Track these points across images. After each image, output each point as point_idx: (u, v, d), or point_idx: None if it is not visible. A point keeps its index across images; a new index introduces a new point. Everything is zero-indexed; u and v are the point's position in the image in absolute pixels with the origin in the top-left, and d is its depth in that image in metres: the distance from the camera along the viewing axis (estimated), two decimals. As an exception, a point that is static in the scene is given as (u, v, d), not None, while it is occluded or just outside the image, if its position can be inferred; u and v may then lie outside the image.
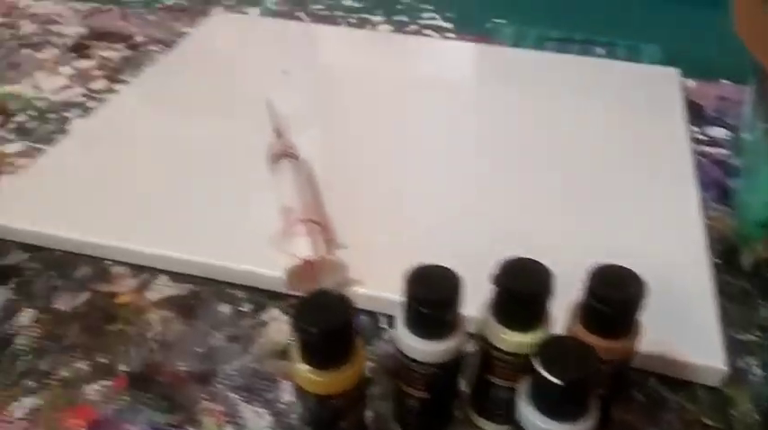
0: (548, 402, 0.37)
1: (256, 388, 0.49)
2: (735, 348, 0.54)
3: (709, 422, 0.49)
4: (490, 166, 0.69)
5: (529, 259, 0.42)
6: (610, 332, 0.42)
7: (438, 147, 0.71)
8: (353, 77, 0.83)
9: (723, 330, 0.54)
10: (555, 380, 0.36)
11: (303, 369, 0.39)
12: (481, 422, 0.47)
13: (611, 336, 0.42)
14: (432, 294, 0.40)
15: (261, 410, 0.48)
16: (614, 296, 0.41)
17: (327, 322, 0.38)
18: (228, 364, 0.50)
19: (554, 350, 0.37)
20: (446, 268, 0.41)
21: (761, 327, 0.56)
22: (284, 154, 0.63)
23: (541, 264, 0.42)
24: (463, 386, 0.48)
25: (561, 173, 0.68)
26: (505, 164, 0.69)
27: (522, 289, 0.41)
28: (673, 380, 0.51)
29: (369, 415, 0.48)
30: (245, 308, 0.55)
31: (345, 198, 0.63)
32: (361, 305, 0.54)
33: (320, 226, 0.56)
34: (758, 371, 0.52)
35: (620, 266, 0.43)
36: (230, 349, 0.51)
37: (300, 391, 0.40)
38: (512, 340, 0.42)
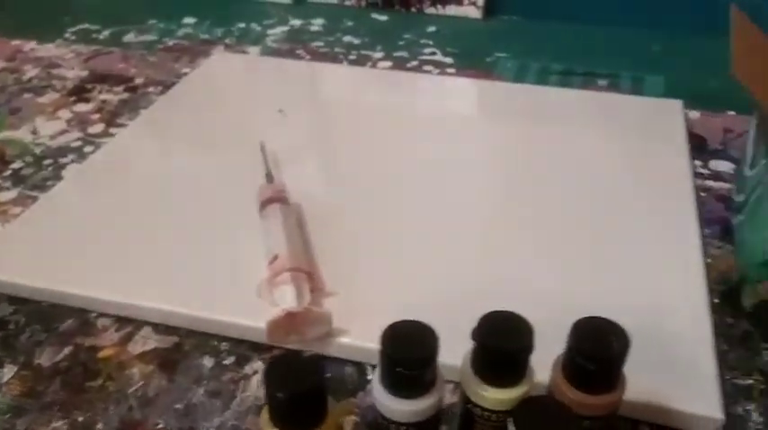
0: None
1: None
2: (733, 394, 0.52)
3: (708, 476, 0.47)
4: (489, 209, 0.67)
5: (509, 313, 0.41)
6: (594, 387, 0.40)
7: (435, 188, 0.70)
8: (351, 115, 0.83)
9: (721, 375, 0.52)
10: (534, 445, 0.34)
11: (269, 431, 0.38)
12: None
13: (596, 392, 0.40)
14: (408, 353, 0.39)
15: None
16: (597, 352, 0.40)
17: (296, 386, 0.37)
18: (208, 422, 0.49)
19: (530, 411, 0.36)
20: (423, 324, 0.40)
21: (761, 372, 0.53)
22: (274, 198, 0.62)
23: (522, 319, 0.41)
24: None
25: (560, 212, 0.67)
26: (504, 205, 0.68)
27: (500, 345, 0.40)
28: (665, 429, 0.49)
29: (351, 473, 0.47)
30: (228, 361, 0.54)
31: (337, 242, 0.62)
32: (346, 355, 0.53)
33: (307, 274, 0.55)
34: (757, 417, 0.50)
35: (605, 319, 0.41)
36: (210, 405, 0.50)
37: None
38: (491, 397, 0.40)
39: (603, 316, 0.41)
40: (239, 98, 0.86)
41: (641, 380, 0.49)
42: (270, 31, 1.07)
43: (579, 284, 0.58)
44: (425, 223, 0.65)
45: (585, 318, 0.41)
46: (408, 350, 0.39)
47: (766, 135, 0.59)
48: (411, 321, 0.40)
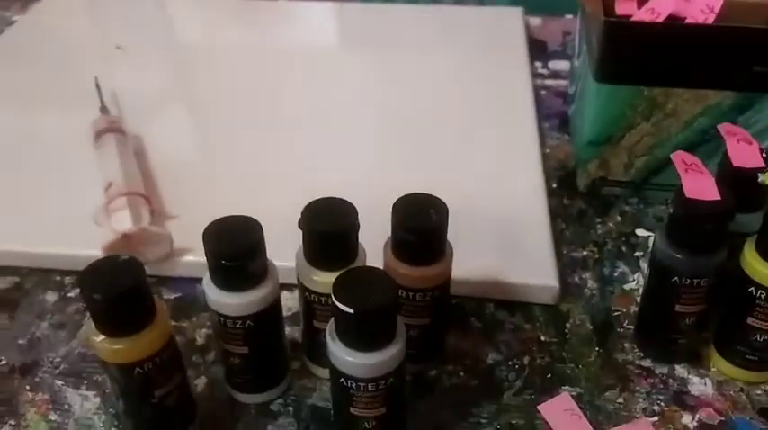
0: (349, 334, 0.36)
1: (84, 372, 0.47)
2: (571, 265, 0.55)
3: (546, 338, 0.49)
4: (335, 126, 0.68)
5: (332, 198, 0.42)
6: (419, 259, 0.42)
7: (285, 112, 0.69)
8: (195, 46, 0.81)
9: (559, 250, 0.55)
10: (348, 310, 0.35)
11: (98, 339, 0.37)
12: (315, 369, 0.46)
13: (422, 263, 0.42)
14: (230, 246, 0.39)
15: (88, 393, 0.46)
16: (417, 224, 0.41)
17: (113, 287, 0.36)
18: (54, 352, 0.48)
19: (352, 282, 0.37)
20: (246, 218, 0.40)
21: (596, 243, 0.57)
22: (108, 129, 0.60)
23: (346, 202, 0.41)
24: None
25: (408, 120, 0.68)
26: (350, 120, 0.68)
27: (323, 228, 0.40)
28: (511, 304, 0.52)
29: (202, 381, 0.47)
30: (73, 293, 0.52)
31: (180, 168, 0.61)
32: (194, 273, 0.52)
33: (144, 198, 0.54)
34: (592, 284, 0.53)
35: (424, 194, 0.42)
36: (55, 337, 0.49)
37: (103, 365, 0.39)
38: (322, 281, 0.41)
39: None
40: (75, 39, 0.82)
41: (486, 262, 0.52)
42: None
43: (429, 178, 0.58)
44: (270, 144, 0.65)
45: (406, 195, 0.42)
46: (230, 242, 0.39)
47: (587, 25, 0.61)
48: (234, 216, 0.40)
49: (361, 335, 0.36)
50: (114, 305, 0.36)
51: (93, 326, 0.37)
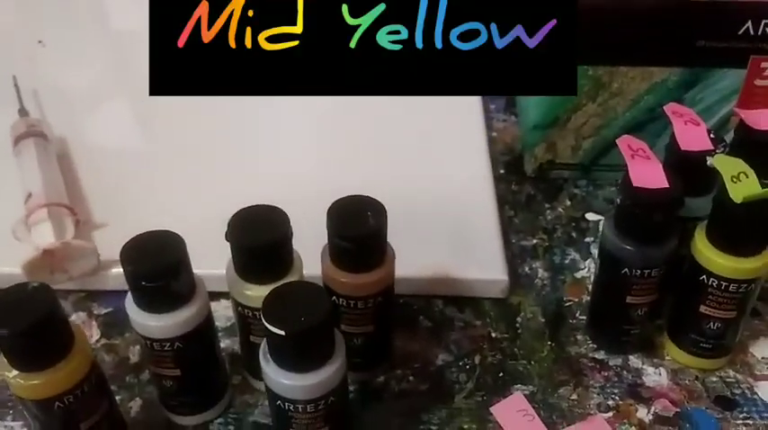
0: (283, 355, 0.34)
1: (9, 401, 0.44)
2: (521, 254, 0.53)
3: (496, 334, 0.48)
4: (268, 130, 0.63)
5: (264, 206, 0.39)
6: (359, 266, 0.39)
7: (217, 115, 0.64)
8: (124, 42, 0.76)
9: (508, 239, 0.54)
10: (279, 331, 0.33)
11: (11, 375, 0.34)
12: (256, 383, 0.44)
13: (362, 270, 0.39)
14: (150, 265, 0.36)
15: (13, 423, 0.43)
16: (353, 230, 0.38)
17: (22, 318, 0.33)
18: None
19: (282, 301, 0.34)
20: (167, 232, 0.37)
21: (545, 230, 0.55)
22: (28, 134, 0.56)
23: (276, 209, 0.39)
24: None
25: (340, 111, 0.64)
26: (283, 123, 0.64)
27: (253, 240, 0.38)
28: (460, 300, 0.50)
29: (136, 403, 0.44)
30: (-6, 313, 0.49)
31: (108, 175, 0.57)
32: (124, 286, 0.49)
33: (68, 208, 0.50)
34: (543, 273, 0.52)
35: (360, 197, 0.40)
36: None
37: (20, 401, 0.36)
38: (256, 295, 0.38)
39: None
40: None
41: (432, 258, 0.50)
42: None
43: (368, 175, 0.56)
44: (203, 149, 0.60)
45: (341, 199, 0.40)
46: (150, 261, 0.36)
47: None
48: (153, 232, 0.37)
49: (296, 356, 0.34)
50: (24, 338, 0.33)
51: (5, 360, 0.34)
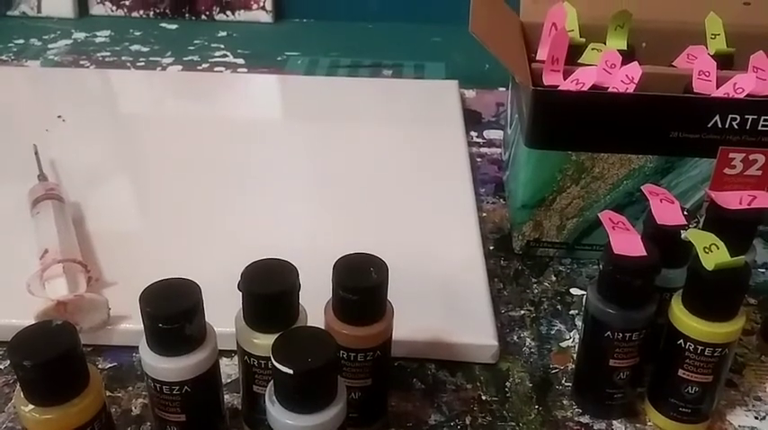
0: (288, 396, 0.36)
1: (13, 442, 0.45)
2: (509, 324, 0.56)
3: (486, 397, 0.50)
4: (278, 191, 0.68)
5: (272, 260, 0.42)
6: (360, 318, 0.42)
7: (227, 178, 0.70)
8: (137, 116, 0.81)
9: (497, 310, 0.57)
10: (287, 370, 0.35)
11: (26, 409, 0.36)
12: (255, 436, 0.45)
13: (362, 322, 0.42)
14: (168, 308, 0.39)
15: (16, 468, 0.44)
16: (357, 283, 0.41)
17: (44, 352, 0.35)
18: (-21, 427, 0.46)
19: (291, 343, 0.37)
20: (185, 280, 0.40)
21: (532, 302, 0.58)
22: (45, 196, 0.59)
23: (286, 263, 0.42)
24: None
25: (348, 185, 0.69)
26: (293, 185, 0.69)
27: (264, 290, 0.40)
28: (451, 364, 0.52)
29: (137, 451, 0.45)
30: (2, 365, 0.50)
31: (119, 236, 0.60)
32: (131, 342, 0.51)
33: (81, 265, 0.53)
34: (531, 342, 0.54)
35: (364, 254, 0.43)
36: (-18, 410, 0.47)
37: (32, 436, 0.37)
38: (263, 343, 0.41)
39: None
40: (16, 109, 0.81)
41: (426, 323, 0.53)
42: (51, 45, 1.02)
43: (369, 241, 0.59)
44: (211, 209, 0.65)
45: (347, 255, 0.43)
46: (168, 304, 0.39)
47: (517, 95, 0.65)
48: (172, 279, 0.40)
49: (301, 396, 0.36)
50: (44, 371, 0.35)
51: (21, 395, 0.36)
